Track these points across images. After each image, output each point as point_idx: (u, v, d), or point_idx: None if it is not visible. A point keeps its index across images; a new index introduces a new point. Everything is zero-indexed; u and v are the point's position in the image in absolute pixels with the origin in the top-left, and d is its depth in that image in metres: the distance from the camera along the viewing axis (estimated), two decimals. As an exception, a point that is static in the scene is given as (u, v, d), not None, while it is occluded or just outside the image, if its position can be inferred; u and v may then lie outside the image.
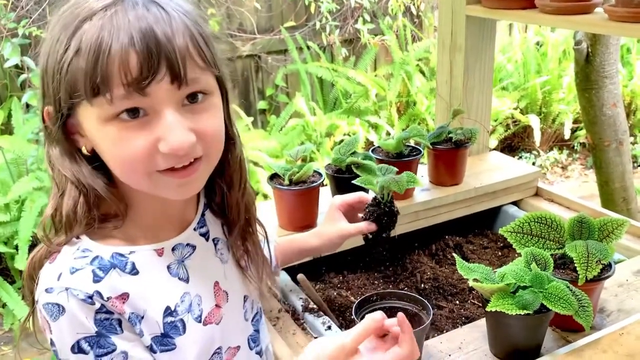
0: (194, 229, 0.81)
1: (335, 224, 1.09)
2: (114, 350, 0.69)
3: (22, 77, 2.43)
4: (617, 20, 1.15)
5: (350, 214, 1.13)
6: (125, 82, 0.62)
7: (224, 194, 0.82)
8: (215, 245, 0.84)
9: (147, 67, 0.62)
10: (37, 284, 0.71)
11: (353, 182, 1.17)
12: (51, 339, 0.70)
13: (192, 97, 0.68)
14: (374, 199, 1.13)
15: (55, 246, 0.72)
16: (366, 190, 1.26)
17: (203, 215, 0.84)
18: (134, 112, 0.65)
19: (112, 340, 0.69)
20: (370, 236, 1.13)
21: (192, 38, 0.66)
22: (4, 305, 2.53)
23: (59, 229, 0.72)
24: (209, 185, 0.80)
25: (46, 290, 0.69)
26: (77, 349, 0.68)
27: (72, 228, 0.71)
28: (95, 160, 0.72)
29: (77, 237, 0.73)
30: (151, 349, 0.73)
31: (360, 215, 1.13)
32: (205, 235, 0.83)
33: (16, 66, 2.49)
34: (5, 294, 2.46)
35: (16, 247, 2.47)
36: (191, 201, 0.83)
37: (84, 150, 0.71)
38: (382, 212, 1.11)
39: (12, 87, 3.00)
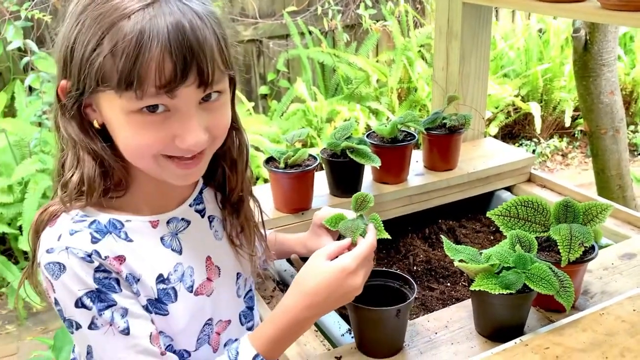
0: (190, 205, 0.85)
1: (318, 240, 1.04)
2: (114, 305, 0.72)
3: (25, 59, 2.45)
4: (609, 8, 1.16)
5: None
6: (159, 84, 0.66)
7: (226, 174, 0.87)
8: (210, 222, 0.88)
9: (181, 73, 0.66)
10: (38, 248, 0.75)
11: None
12: (55, 299, 0.73)
13: (207, 96, 0.72)
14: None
15: (73, 209, 0.75)
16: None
17: (201, 193, 0.88)
18: (155, 107, 0.69)
19: (112, 297, 0.73)
20: None
21: (217, 44, 0.70)
22: (7, 285, 2.58)
23: (78, 194, 0.75)
24: (211, 165, 0.83)
25: (47, 251, 0.72)
26: (80, 304, 0.71)
27: (92, 194, 0.75)
28: (102, 134, 0.75)
29: None
30: (146, 309, 0.77)
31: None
32: (201, 212, 0.87)
33: (19, 49, 2.51)
34: (10, 273, 2.51)
35: (19, 228, 2.51)
36: None
37: (95, 124, 0.74)
38: None
39: (15, 70, 3.02)
